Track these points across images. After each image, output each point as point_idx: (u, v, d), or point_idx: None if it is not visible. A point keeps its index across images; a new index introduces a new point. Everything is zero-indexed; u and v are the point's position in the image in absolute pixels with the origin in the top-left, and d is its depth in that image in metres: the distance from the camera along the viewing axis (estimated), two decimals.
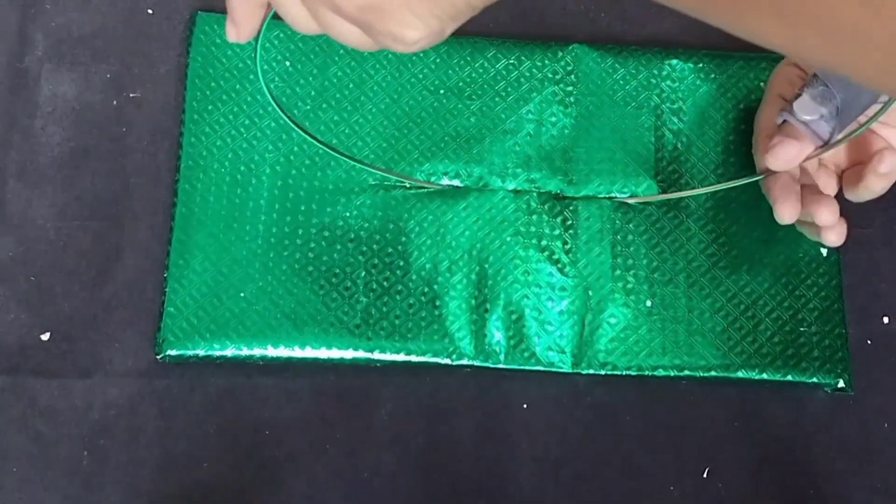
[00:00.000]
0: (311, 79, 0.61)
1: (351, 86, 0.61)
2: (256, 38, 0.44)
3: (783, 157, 0.52)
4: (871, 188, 0.55)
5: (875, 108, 0.52)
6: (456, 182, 0.59)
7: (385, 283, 0.57)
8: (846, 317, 0.58)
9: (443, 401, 0.56)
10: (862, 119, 0.53)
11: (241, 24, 0.42)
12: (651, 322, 0.57)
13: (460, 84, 0.61)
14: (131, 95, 0.61)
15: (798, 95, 0.53)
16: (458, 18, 0.36)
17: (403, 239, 0.58)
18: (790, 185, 0.54)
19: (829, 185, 0.57)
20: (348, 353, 0.56)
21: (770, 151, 0.53)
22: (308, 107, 0.60)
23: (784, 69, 0.57)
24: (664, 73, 0.62)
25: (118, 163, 0.60)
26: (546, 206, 0.59)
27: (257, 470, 0.55)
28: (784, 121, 0.53)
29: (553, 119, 0.61)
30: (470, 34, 0.62)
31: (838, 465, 0.56)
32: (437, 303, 0.57)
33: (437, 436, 0.56)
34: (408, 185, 0.59)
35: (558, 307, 0.57)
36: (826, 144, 0.53)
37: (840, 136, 0.52)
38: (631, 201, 0.59)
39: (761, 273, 0.58)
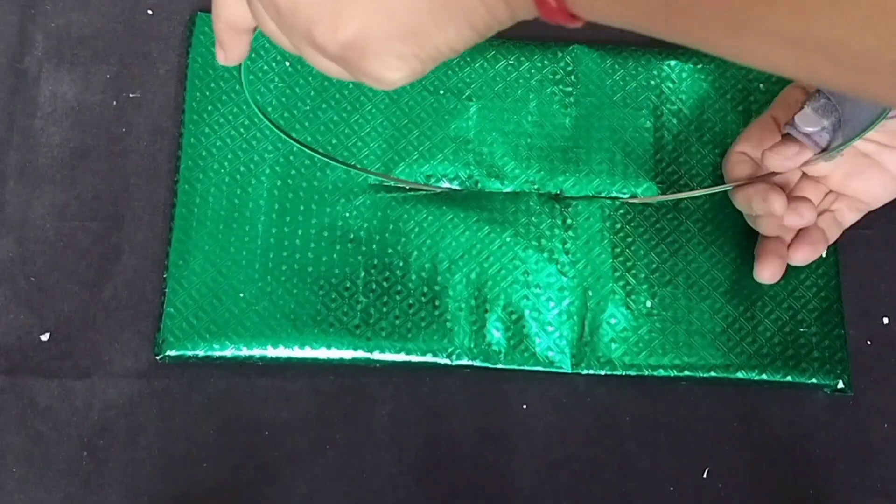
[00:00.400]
0: (310, 79, 0.61)
1: (350, 86, 0.61)
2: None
3: (784, 153, 0.53)
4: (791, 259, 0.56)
5: (884, 122, 0.52)
6: (455, 183, 0.59)
7: (384, 284, 0.57)
8: (845, 317, 0.58)
9: (442, 401, 0.56)
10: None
11: (229, 48, 0.42)
12: (651, 322, 0.57)
13: (460, 85, 0.61)
14: (131, 95, 0.61)
15: (800, 108, 0.53)
16: (439, 60, 0.35)
17: (403, 239, 0.58)
18: (769, 185, 0.55)
19: (812, 195, 0.57)
20: (348, 354, 0.56)
21: (771, 150, 0.53)
22: (307, 107, 0.60)
23: (787, 93, 0.57)
24: (664, 74, 0.62)
25: (118, 163, 0.60)
26: (546, 207, 0.59)
27: (257, 470, 0.55)
28: (787, 134, 0.54)
29: (553, 120, 0.61)
30: None
31: (838, 465, 0.56)
32: (437, 303, 0.57)
33: (437, 436, 0.56)
34: (407, 188, 0.59)
35: (558, 307, 0.57)
36: (825, 150, 0.53)
37: (837, 144, 0.52)
38: (631, 202, 0.59)
39: None
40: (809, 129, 0.52)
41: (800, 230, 0.56)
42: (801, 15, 0.26)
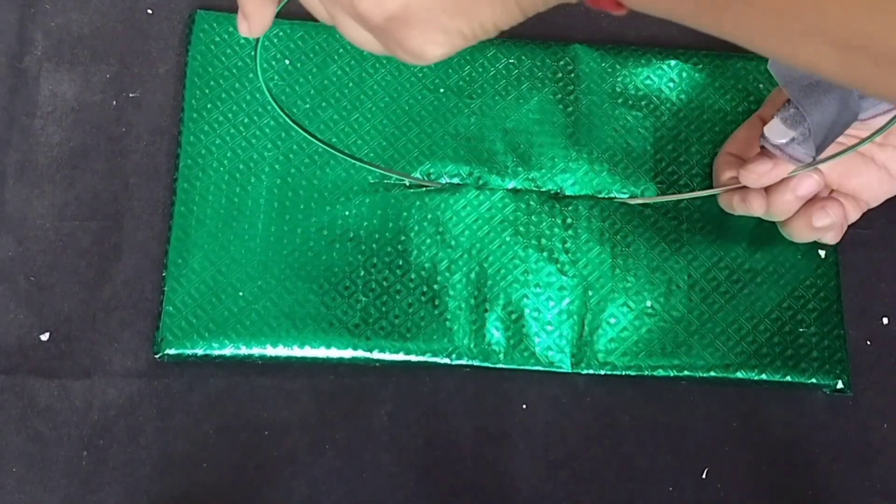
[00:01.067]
0: (310, 77, 0.61)
1: (350, 84, 0.61)
2: (257, 39, 0.44)
3: (757, 171, 0.53)
4: (800, 235, 0.56)
5: (857, 125, 0.52)
6: (455, 181, 0.59)
7: (384, 283, 0.57)
8: (845, 317, 0.58)
9: (442, 401, 0.56)
10: (843, 140, 0.53)
11: (252, 18, 0.41)
12: (651, 322, 0.57)
13: (460, 83, 0.61)
14: (131, 95, 0.61)
15: (771, 119, 0.53)
16: (480, 37, 0.35)
17: (403, 238, 0.58)
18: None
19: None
20: (347, 353, 0.56)
21: (745, 167, 0.53)
22: (307, 105, 0.60)
23: (775, 94, 0.57)
24: (664, 73, 0.62)
25: (118, 163, 0.60)
26: (546, 206, 0.59)
27: (256, 470, 0.55)
28: (763, 146, 0.54)
29: (553, 119, 0.61)
30: None
31: (837, 465, 0.56)
32: (437, 302, 0.57)
33: (437, 436, 0.56)
34: (407, 184, 0.59)
35: (558, 307, 0.57)
36: (809, 165, 0.53)
37: (823, 157, 0.52)
38: (631, 202, 0.59)
39: (760, 274, 0.58)
40: (779, 141, 0.51)
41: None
42: (846, 11, 0.26)
